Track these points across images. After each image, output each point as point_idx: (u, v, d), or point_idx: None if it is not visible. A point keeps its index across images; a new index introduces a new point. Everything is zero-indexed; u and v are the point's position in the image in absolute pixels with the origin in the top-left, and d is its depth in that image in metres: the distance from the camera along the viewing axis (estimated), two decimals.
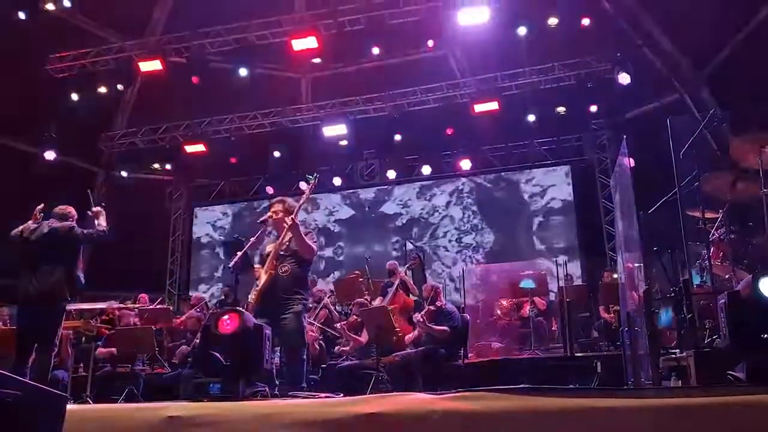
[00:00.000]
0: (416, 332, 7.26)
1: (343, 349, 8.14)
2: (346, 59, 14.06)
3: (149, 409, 3.35)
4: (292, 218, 5.20)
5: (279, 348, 5.38)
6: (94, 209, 6.29)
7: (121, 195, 14.29)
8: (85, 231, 6.10)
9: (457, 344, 7.05)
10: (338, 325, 8.35)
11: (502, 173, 14.50)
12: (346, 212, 15.37)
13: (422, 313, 7.08)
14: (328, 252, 14.98)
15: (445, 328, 6.81)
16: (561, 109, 12.80)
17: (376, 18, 11.60)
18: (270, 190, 14.74)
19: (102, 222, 6.17)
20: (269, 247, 5.42)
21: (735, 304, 3.57)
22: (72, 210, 6.26)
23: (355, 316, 8.15)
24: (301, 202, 5.49)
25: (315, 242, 5.54)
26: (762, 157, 5.21)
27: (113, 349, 8.13)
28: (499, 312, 9.61)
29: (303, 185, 5.48)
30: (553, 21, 10.95)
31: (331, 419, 2.93)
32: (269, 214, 5.47)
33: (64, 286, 5.89)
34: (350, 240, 15.14)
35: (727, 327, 3.60)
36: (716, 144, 7.02)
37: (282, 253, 5.28)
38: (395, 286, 8.09)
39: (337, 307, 9.99)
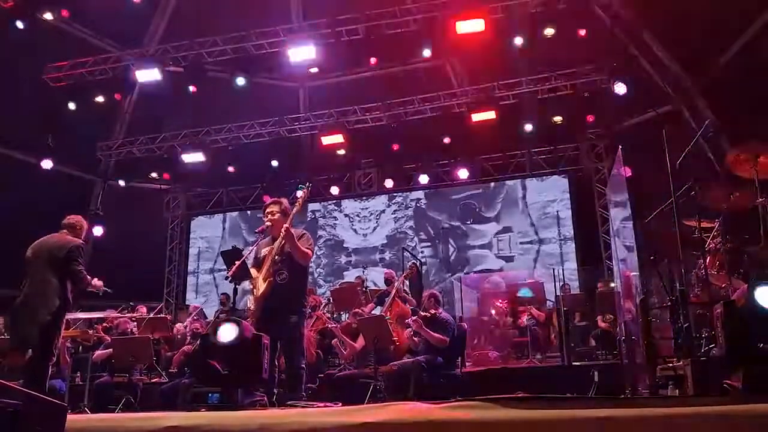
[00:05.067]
0: (407, 332, 7.18)
1: (343, 352, 8.07)
2: (344, 69, 14.10)
3: (147, 419, 3.33)
4: (285, 227, 5.21)
5: (278, 357, 5.37)
6: (95, 283, 5.96)
7: (119, 204, 14.32)
8: (79, 269, 5.72)
9: (454, 353, 7.02)
10: (332, 325, 8.31)
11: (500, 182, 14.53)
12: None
13: (413, 318, 7.02)
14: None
15: (443, 337, 6.74)
16: (558, 119, 12.85)
17: (373, 28, 11.65)
18: (267, 199, 14.65)
19: (95, 283, 5.94)
20: (264, 250, 5.41)
21: (731, 313, 3.58)
22: (81, 220, 6.08)
23: (349, 321, 8.13)
24: (295, 210, 5.51)
25: (311, 245, 5.53)
26: (757, 166, 5.25)
27: (110, 350, 8.11)
28: (497, 320, 9.61)
29: (299, 193, 5.50)
30: (549, 31, 10.99)
31: (329, 428, 2.93)
32: (266, 217, 5.47)
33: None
34: None
35: (723, 336, 3.61)
36: (712, 154, 7.06)
37: (277, 257, 5.27)
38: (392, 295, 8.06)
39: (334, 315, 9.96)
